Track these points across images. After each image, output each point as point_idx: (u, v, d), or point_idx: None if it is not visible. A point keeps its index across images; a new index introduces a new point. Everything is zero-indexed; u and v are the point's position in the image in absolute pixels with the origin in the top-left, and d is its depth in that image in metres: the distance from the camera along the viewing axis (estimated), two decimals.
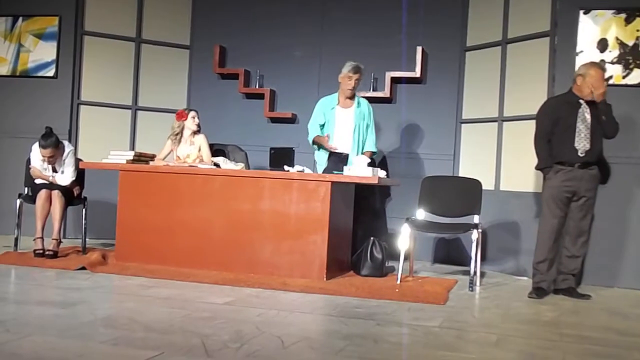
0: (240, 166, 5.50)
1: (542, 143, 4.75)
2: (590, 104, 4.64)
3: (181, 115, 5.75)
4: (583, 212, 4.70)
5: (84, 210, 5.79)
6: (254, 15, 7.13)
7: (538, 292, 4.68)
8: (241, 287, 4.49)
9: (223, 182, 5.14)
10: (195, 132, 5.75)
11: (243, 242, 5.05)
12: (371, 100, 6.60)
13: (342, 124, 5.72)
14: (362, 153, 5.60)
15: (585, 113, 4.65)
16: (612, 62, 5.34)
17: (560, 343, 3.35)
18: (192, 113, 5.77)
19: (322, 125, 5.77)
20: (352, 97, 5.76)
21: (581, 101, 4.67)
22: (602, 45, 5.39)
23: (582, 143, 4.62)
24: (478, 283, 5.01)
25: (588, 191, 4.67)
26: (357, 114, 5.71)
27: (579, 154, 4.62)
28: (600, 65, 4.80)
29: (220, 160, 5.57)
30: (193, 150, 5.73)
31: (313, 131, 5.79)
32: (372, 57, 6.66)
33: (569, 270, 4.77)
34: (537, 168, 4.85)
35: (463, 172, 6.25)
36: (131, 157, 5.43)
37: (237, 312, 3.71)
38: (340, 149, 5.62)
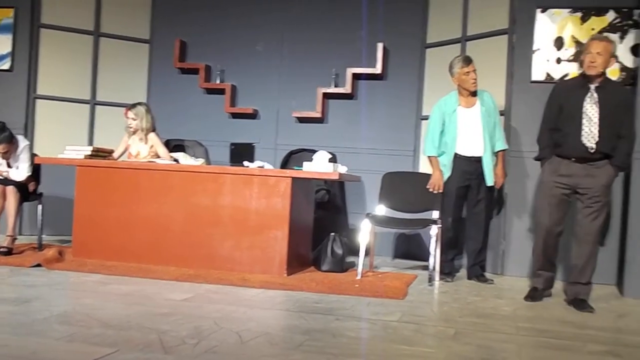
0: (200, 162, 5.47)
1: (544, 131, 4.40)
2: (601, 87, 4.18)
3: (125, 112, 5.73)
4: (589, 213, 4.23)
5: (40, 206, 5.68)
6: (215, 9, 7.08)
7: (532, 293, 4.45)
8: (201, 283, 4.46)
9: (183, 178, 5.09)
10: (147, 130, 5.70)
11: (203, 238, 5.02)
12: (332, 96, 6.66)
13: (468, 126, 5.14)
14: (495, 154, 5.19)
15: (592, 97, 4.18)
16: (568, 60, 5.44)
17: (516, 336, 3.40)
18: (130, 112, 5.71)
19: (442, 132, 5.20)
20: (475, 94, 5.26)
21: (591, 85, 4.20)
22: (559, 43, 5.49)
23: (589, 134, 4.15)
24: (437, 278, 5.05)
25: (591, 189, 4.19)
26: (484, 112, 5.15)
27: (587, 147, 4.15)
28: (599, 37, 4.41)
29: (180, 155, 5.54)
30: (144, 148, 5.69)
31: (432, 145, 5.20)
32: (333, 53, 6.70)
33: (573, 278, 4.38)
34: (534, 158, 4.54)
35: (423, 168, 6.30)
36: (89, 153, 5.35)
37: (195, 308, 3.68)
38: (470, 153, 5.14)
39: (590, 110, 4.15)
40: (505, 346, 3.16)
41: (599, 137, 4.13)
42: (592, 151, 4.15)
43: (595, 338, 3.44)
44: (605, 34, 4.78)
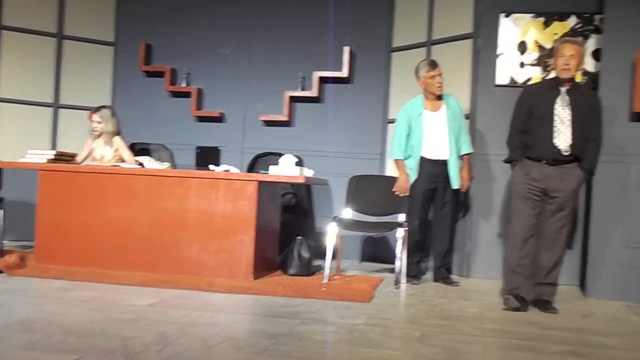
0: (165, 165, 5.42)
1: (514, 134, 4.34)
2: (572, 90, 4.21)
3: (89, 116, 5.67)
4: (559, 217, 4.24)
5: (1, 211, 5.57)
6: (182, 12, 7.03)
7: (516, 300, 4.22)
8: (166, 288, 4.41)
9: (148, 182, 5.04)
10: (112, 134, 5.64)
11: (169, 242, 4.97)
12: (299, 99, 6.66)
13: (434, 129, 5.17)
14: (460, 157, 5.24)
15: (564, 100, 4.19)
16: (531, 64, 5.52)
17: (482, 337, 3.43)
18: (95, 116, 5.65)
19: (408, 135, 5.23)
20: (440, 98, 5.30)
21: (561, 87, 4.22)
22: (522, 47, 5.56)
23: (561, 138, 4.16)
24: (403, 280, 5.07)
25: (562, 192, 4.19)
26: (449, 115, 5.19)
27: (560, 150, 4.15)
28: (570, 40, 4.33)
29: (145, 159, 5.48)
30: (109, 151, 5.63)
31: (399, 148, 5.22)
32: (300, 56, 6.71)
33: (539, 279, 4.33)
34: (504, 160, 4.48)
35: (390, 171, 6.32)
36: (52, 157, 5.27)
37: (161, 313, 3.64)
38: (436, 156, 5.17)
39: (562, 113, 4.16)
40: (470, 348, 3.19)
41: (572, 139, 4.14)
42: (566, 154, 4.15)
43: (559, 338, 3.49)
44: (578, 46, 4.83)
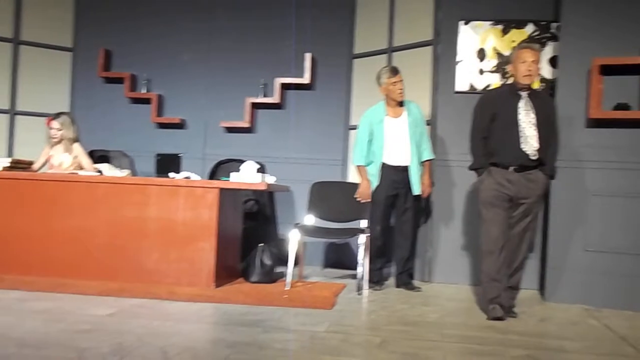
0: (125, 173, 5.34)
1: (477, 140, 4.28)
2: (532, 95, 4.21)
3: (47, 122, 5.57)
4: (525, 222, 4.22)
5: None
6: (141, 18, 6.96)
7: (499, 309, 4.14)
8: (126, 298, 4.35)
9: (107, 190, 4.96)
10: (72, 141, 5.56)
11: (129, 250, 4.90)
12: (261, 105, 6.64)
13: (395, 135, 5.20)
14: (422, 163, 5.26)
15: (527, 105, 4.17)
16: (490, 71, 5.58)
17: (442, 343, 3.45)
18: (54, 122, 5.56)
19: (370, 142, 5.24)
20: (401, 104, 5.33)
21: (521, 92, 4.21)
22: (481, 54, 5.62)
23: (528, 143, 4.13)
24: (366, 287, 5.07)
25: (529, 198, 4.17)
26: (411, 122, 5.22)
27: (527, 155, 4.13)
28: (529, 45, 4.30)
29: (104, 167, 5.40)
30: (68, 158, 5.54)
31: (361, 154, 5.24)
32: (261, 62, 6.69)
33: (511, 284, 4.31)
34: (469, 168, 4.38)
35: (352, 177, 6.33)
36: (7, 164, 5.16)
37: (119, 323, 3.59)
38: (397, 163, 5.19)
39: (526, 118, 4.13)
40: (430, 353, 3.20)
41: (539, 143, 4.12)
42: (534, 158, 4.12)
43: (517, 343, 3.52)
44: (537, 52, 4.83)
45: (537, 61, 4.18)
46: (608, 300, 4.77)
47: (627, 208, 4.80)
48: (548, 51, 5.48)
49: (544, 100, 4.36)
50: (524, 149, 4.11)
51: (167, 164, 5.35)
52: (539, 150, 4.12)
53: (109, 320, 3.66)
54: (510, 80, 4.46)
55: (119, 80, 6.89)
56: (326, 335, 3.48)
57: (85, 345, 3.03)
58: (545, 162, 4.19)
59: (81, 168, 5.50)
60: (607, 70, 4.79)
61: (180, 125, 6.81)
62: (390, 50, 6.21)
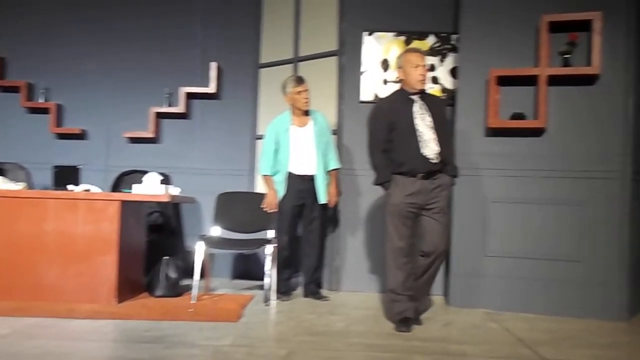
0: (21, 186, 5.11)
1: (377, 153, 4.21)
2: (424, 98, 4.19)
3: None
4: (437, 227, 4.14)
5: None
6: (39, 25, 6.69)
7: (406, 323, 4.12)
8: (21, 317, 4.14)
9: (1, 203, 4.73)
10: None
11: (25, 267, 4.67)
12: (166, 115, 6.51)
13: (301, 144, 5.21)
14: (328, 172, 5.29)
15: (421, 109, 4.15)
16: (394, 82, 5.67)
17: (347, 352, 3.45)
18: None
19: (276, 151, 5.23)
20: (307, 113, 5.33)
21: (413, 97, 4.18)
22: (385, 65, 5.71)
23: (429, 146, 4.09)
24: (273, 297, 5.04)
25: (438, 203, 4.14)
26: (317, 131, 5.24)
27: (430, 159, 4.08)
28: (415, 49, 4.34)
29: None
30: None
31: (267, 164, 5.23)
32: (166, 72, 6.56)
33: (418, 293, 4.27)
34: (375, 183, 4.29)
35: (260, 188, 6.29)
36: None
37: (11, 345, 3.40)
38: (303, 172, 5.19)
39: (423, 122, 4.09)
40: None
41: (439, 146, 4.09)
42: (436, 161, 4.08)
43: (421, 349, 3.57)
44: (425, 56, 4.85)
45: (426, 65, 4.20)
46: (508, 303, 4.92)
47: (525, 214, 4.97)
48: (449, 62, 5.64)
49: (435, 101, 4.36)
50: (425, 154, 4.06)
51: (65, 176, 5.15)
52: (440, 153, 4.09)
53: (1, 342, 3.47)
54: (398, 86, 4.45)
55: (14, 89, 6.59)
56: (230, 349, 3.42)
57: None
58: (447, 162, 4.19)
59: None
60: (504, 80, 4.96)
61: (81, 136, 6.58)
62: (297, 60, 6.22)
